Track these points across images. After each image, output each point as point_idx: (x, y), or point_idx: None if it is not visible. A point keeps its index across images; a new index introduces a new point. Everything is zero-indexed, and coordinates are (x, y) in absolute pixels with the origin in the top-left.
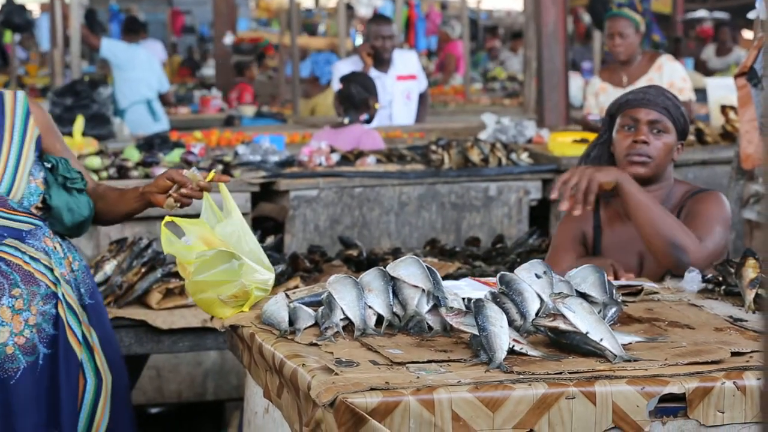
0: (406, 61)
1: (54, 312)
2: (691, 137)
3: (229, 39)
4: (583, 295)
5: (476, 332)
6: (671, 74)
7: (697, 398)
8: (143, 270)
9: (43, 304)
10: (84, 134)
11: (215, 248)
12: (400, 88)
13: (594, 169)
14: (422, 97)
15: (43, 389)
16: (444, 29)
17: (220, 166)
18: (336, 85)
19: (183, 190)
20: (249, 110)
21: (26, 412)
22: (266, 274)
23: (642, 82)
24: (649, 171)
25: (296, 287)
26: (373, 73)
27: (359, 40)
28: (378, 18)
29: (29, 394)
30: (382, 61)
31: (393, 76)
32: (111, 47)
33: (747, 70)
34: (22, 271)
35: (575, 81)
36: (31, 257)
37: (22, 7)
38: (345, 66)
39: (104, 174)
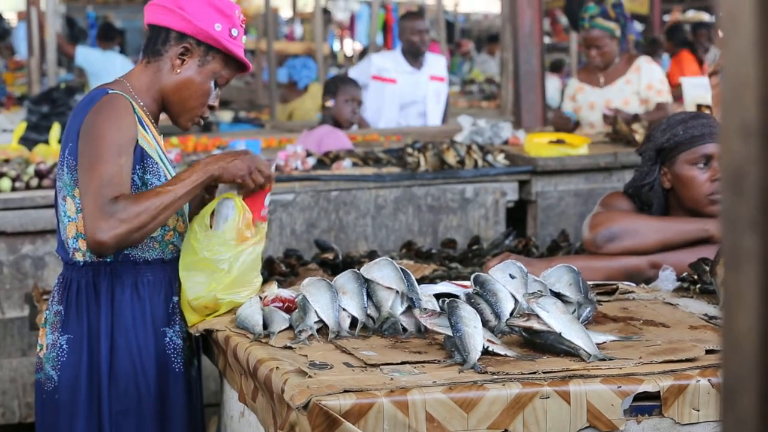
0: (437, 63)
1: None
2: None
3: None
4: (558, 295)
5: (450, 333)
6: (650, 76)
7: (672, 396)
8: None
9: None
10: (60, 142)
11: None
12: (433, 88)
13: None
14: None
15: None
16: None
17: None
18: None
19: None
20: (226, 116)
21: None
22: (243, 295)
23: (619, 84)
24: None
25: None
26: (408, 69)
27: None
28: (411, 14)
29: None
30: (416, 58)
31: (426, 75)
32: (86, 55)
33: (721, 68)
34: None
35: (552, 82)
36: None
37: None
38: (378, 56)
39: None
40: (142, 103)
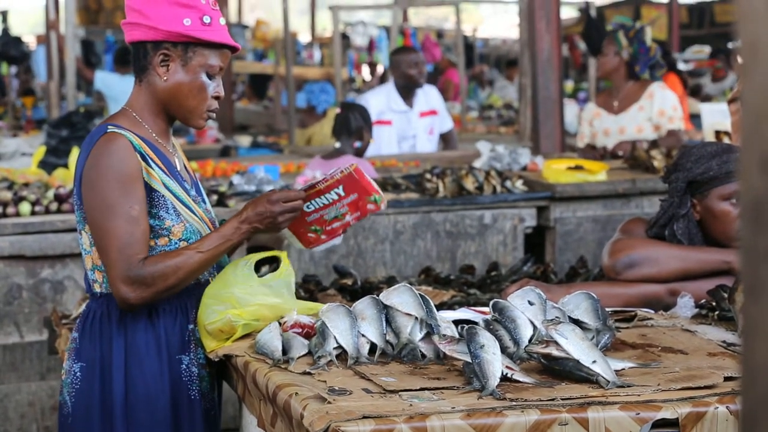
0: (427, 96)
1: None
2: None
3: None
4: (576, 322)
5: (469, 359)
6: (662, 102)
7: (690, 423)
8: None
9: None
10: None
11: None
12: (423, 124)
13: None
14: (447, 137)
15: None
16: (447, 56)
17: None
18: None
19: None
20: (245, 140)
21: None
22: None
23: (633, 110)
24: None
25: None
26: (402, 107)
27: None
28: (405, 49)
29: None
30: (410, 93)
31: (417, 113)
32: (105, 79)
33: (740, 95)
34: None
35: (570, 108)
36: None
37: (18, 40)
38: (374, 97)
39: None
40: (147, 127)
